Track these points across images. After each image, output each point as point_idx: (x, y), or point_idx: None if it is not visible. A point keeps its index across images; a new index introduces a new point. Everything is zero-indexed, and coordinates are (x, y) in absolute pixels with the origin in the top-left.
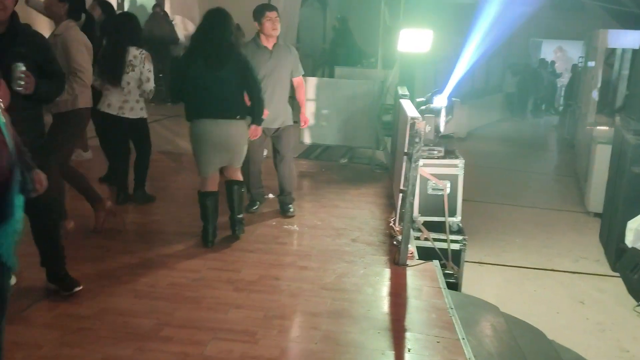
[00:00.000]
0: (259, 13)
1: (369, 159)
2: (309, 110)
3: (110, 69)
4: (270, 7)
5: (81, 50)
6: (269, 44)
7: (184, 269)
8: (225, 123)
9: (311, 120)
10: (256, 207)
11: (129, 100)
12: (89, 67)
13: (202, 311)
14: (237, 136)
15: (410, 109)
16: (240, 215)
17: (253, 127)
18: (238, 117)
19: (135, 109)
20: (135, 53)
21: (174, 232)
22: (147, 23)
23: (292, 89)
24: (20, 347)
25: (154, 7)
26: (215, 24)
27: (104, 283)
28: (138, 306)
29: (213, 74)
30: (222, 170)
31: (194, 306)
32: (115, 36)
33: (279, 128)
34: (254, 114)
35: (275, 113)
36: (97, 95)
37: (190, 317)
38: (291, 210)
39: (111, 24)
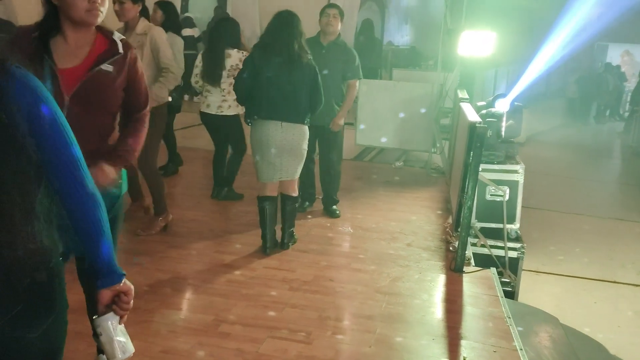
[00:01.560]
0: (322, 10)
1: (425, 163)
2: (365, 111)
3: (210, 70)
4: (330, 5)
5: (169, 47)
6: (324, 40)
7: (241, 267)
8: (290, 127)
9: (366, 123)
10: (306, 205)
11: (228, 99)
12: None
13: (258, 309)
14: (299, 141)
15: (470, 113)
16: (292, 229)
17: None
18: (305, 122)
19: (232, 107)
20: (237, 55)
21: (231, 231)
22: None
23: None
24: (83, 338)
25: (216, 9)
26: (285, 24)
27: (164, 277)
28: (197, 302)
29: (287, 75)
30: None
31: (250, 303)
32: (214, 38)
33: (322, 127)
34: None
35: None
36: None
37: (247, 315)
38: (337, 212)
39: (212, 27)
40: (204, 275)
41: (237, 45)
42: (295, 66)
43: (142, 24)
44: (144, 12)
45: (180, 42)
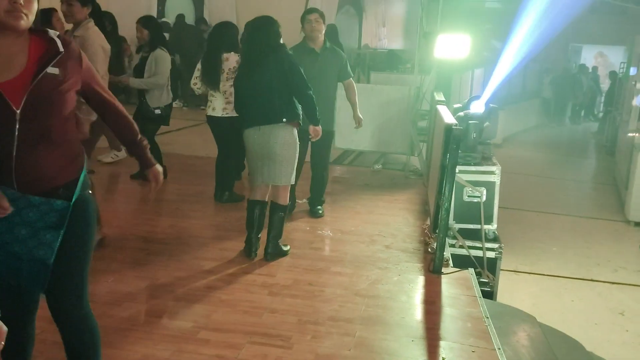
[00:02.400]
0: (302, 17)
1: (403, 165)
2: (343, 115)
3: (209, 74)
4: (310, 10)
5: (101, 52)
6: (315, 46)
7: (220, 272)
8: (267, 128)
9: (345, 126)
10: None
11: (232, 101)
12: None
13: (237, 314)
14: (280, 143)
15: (447, 115)
16: (274, 241)
17: (311, 128)
18: (284, 120)
19: None
20: (235, 58)
21: (212, 236)
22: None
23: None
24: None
25: (197, 22)
26: (256, 30)
27: (143, 284)
28: (176, 308)
29: (254, 80)
30: None
31: (230, 309)
32: (211, 43)
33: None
34: (307, 114)
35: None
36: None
37: (226, 320)
38: (320, 212)
39: (210, 31)
40: (183, 282)
41: (235, 48)
42: (262, 67)
43: (85, 27)
44: (98, 18)
45: (166, 58)
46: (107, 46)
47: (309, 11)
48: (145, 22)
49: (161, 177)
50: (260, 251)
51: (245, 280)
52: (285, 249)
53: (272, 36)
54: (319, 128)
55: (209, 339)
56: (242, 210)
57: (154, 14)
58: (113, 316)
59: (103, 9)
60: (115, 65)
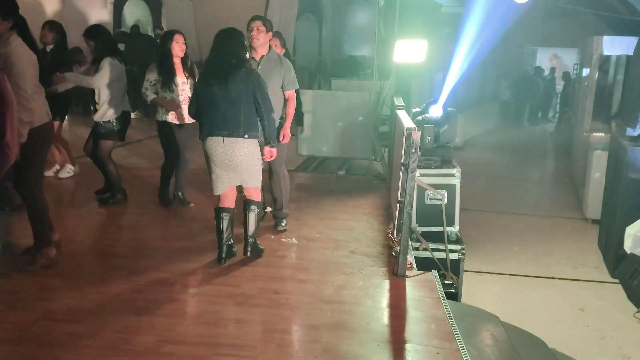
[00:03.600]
0: (247, 24)
1: (367, 170)
2: (305, 122)
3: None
4: (253, 18)
5: (25, 67)
6: (256, 55)
7: (184, 285)
8: (231, 142)
9: (307, 133)
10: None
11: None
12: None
13: (202, 326)
14: (243, 155)
15: (405, 120)
16: (252, 239)
17: (266, 149)
18: (246, 135)
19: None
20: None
21: (174, 249)
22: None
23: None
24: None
25: (154, 29)
26: (224, 42)
27: (105, 300)
28: (139, 323)
29: (221, 91)
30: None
31: (194, 322)
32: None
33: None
34: (265, 134)
35: None
36: None
37: (191, 333)
38: (283, 224)
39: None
40: (145, 296)
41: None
42: (229, 81)
43: (7, 42)
44: (22, 30)
45: (112, 66)
46: (33, 56)
47: (252, 18)
48: (89, 34)
49: None
50: (240, 252)
51: (209, 291)
52: (261, 247)
53: (241, 49)
54: (275, 150)
55: (173, 352)
56: (203, 221)
57: (111, 23)
58: (74, 334)
59: (59, 19)
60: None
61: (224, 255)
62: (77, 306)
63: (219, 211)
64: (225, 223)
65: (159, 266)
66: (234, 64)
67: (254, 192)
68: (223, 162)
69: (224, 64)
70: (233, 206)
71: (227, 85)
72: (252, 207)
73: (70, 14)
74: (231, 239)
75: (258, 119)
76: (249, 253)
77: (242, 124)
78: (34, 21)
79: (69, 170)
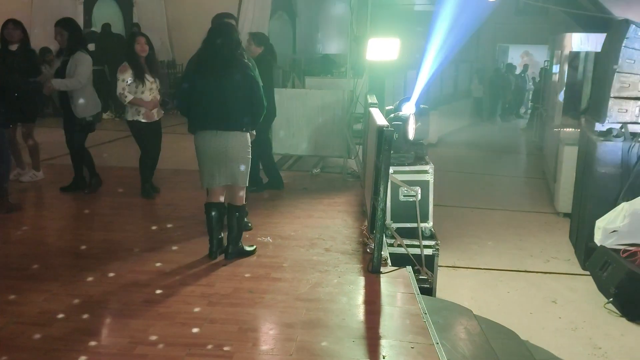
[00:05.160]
0: (217, 18)
1: (341, 168)
2: (279, 120)
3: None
4: (227, 15)
5: None
6: None
7: (158, 285)
8: (225, 134)
9: (281, 131)
10: None
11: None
12: None
13: (176, 327)
14: (237, 148)
15: (379, 118)
16: (230, 249)
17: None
18: (243, 129)
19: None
20: None
21: (147, 249)
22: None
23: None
24: None
25: (133, 27)
26: (218, 36)
27: (76, 303)
28: (112, 325)
29: (218, 84)
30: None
31: (168, 322)
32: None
33: None
34: (253, 122)
35: None
36: None
37: (165, 334)
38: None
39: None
40: (119, 297)
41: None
42: (227, 74)
43: None
44: None
45: (87, 60)
46: None
47: (227, 16)
48: (64, 24)
49: None
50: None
51: (183, 291)
52: (249, 249)
53: (235, 43)
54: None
55: (146, 354)
56: (178, 221)
57: (81, 23)
58: (45, 337)
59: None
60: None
61: (214, 249)
62: (48, 309)
63: (208, 206)
64: (215, 218)
65: (131, 267)
66: (229, 57)
67: (240, 193)
68: (215, 155)
69: (220, 58)
70: (222, 201)
71: (222, 79)
72: (236, 212)
73: (40, 13)
74: (221, 233)
75: (250, 112)
76: (229, 256)
77: (237, 117)
78: (2, 18)
79: (31, 175)
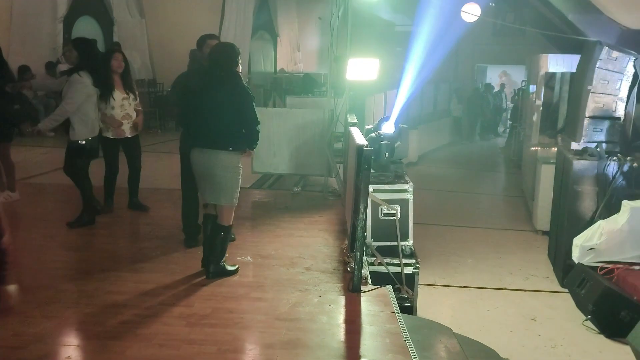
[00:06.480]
0: (201, 41)
1: (322, 187)
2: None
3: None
4: (211, 36)
5: None
6: None
7: (135, 306)
8: (210, 152)
9: (262, 150)
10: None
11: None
12: None
13: (153, 348)
14: (220, 167)
15: (358, 137)
16: (212, 268)
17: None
18: (230, 148)
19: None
20: None
21: (126, 269)
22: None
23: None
24: None
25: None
26: (214, 54)
27: (49, 324)
28: (88, 346)
29: (207, 102)
30: None
31: (146, 344)
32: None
33: None
34: (247, 143)
35: None
36: None
37: (141, 355)
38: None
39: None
40: (95, 319)
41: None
42: (217, 92)
43: None
44: None
45: (79, 83)
46: None
47: (210, 37)
48: (75, 43)
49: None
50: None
51: (162, 312)
52: (231, 268)
53: (230, 63)
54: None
55: None
56: (156, 240)
57: (60, 41)
58: (20, 359)
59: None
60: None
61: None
62: (22, 331)
63: (205, 217)
64: (209, 230)
65: (109, 287)
66: (222, 76)
67: (226, 213)
68: (201, 172)
69: (212, 76)
70: (215, 213)
71: (214, 97)
72: (220, 231)
73: (19, 29)
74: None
75: (242, 131)
76: (210, 275)
77: (227, 137)
78: None
79: (5, 197)
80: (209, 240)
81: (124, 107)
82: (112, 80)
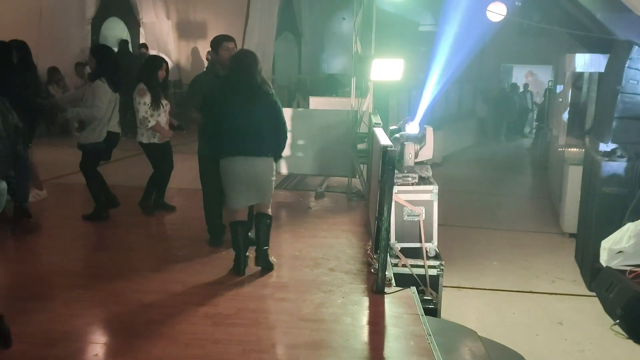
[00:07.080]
0: (216, 43)
1: (346, 188)
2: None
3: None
4: (228, 38)
5: None
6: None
7: (161, 305)
8: (255, 160)
9: (287, 151)
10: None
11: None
12: None
13: (179, 348)
14: (267, 173)
15: (382, 138)
16: (266, 247)
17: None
18: (270, 154)
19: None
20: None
21: (152, 269)
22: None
23: None
24: None
25: (140, 47)
26: (243, 63)
27: (78, 322)
28: (114, 345)
29: (244, 110)
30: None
31: (171, 343)
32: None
33: None
34: (279, 151)
35: None
36: None
37: (167, 354)
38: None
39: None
40: (121, 317)
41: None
42: (256, 102)
43: None
44: None
45: (102, 89)
46: None
47: (226, 38)
48: (93, 51)
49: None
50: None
51: (187, 311)
52: (272, 260)
53: (258, 71)
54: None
55: None
56: (182, 240)
57: (88, 43)
58: (48, 357)
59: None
60: (27, 97)
61: (242, 267)
62: (51, 329)
63: (235, 225)
64: (242, 235)
65: (136, 287)
66: (257, 85)
67: (268, 205)
68: (245, 180)
69: (248, 84)
70: (247, 219)
71: (251, 105)
72: (266, 220)
73: (48, 32)
74: (247, 251)
75: (275, 138)
76: (259, 263)
77: (266, 144)
78: (10, 38)
79: (33, 195)
80: (244, 242)
81: (166, 113)
82: (158, 89)
